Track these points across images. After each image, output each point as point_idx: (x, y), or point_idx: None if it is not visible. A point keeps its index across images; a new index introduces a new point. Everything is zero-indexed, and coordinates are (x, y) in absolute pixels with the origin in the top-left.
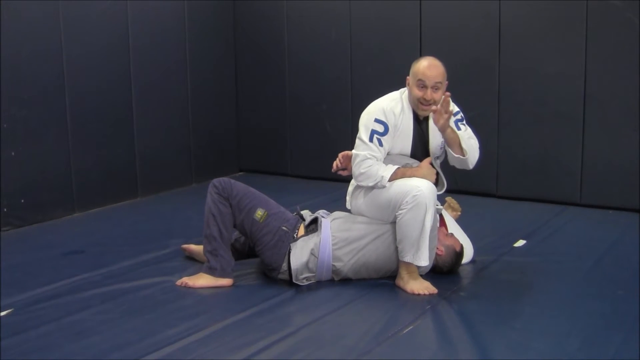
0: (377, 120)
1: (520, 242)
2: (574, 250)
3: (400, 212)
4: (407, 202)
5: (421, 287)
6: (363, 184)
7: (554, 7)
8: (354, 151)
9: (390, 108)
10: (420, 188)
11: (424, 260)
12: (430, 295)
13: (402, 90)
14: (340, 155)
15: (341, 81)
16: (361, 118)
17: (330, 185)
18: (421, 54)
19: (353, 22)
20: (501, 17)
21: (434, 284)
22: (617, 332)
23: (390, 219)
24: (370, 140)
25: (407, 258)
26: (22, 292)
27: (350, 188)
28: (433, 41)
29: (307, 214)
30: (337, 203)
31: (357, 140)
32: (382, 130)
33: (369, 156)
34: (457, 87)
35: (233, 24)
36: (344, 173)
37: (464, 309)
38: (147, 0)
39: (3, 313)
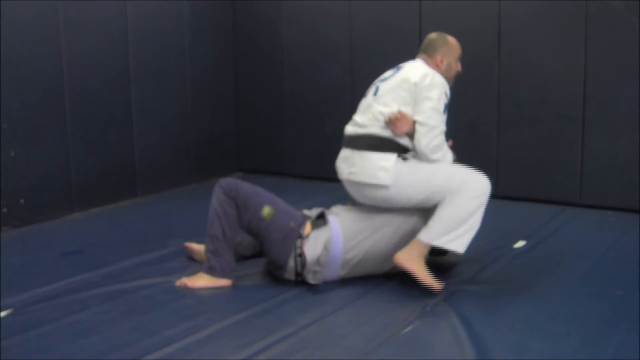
0: (445, 94)
1: (520, 243)
2: (574, 250)
3: (463, 194)
4: (481, 190)
5: (427, 277)
6: (434, 156)
7: (554, 7)
8: (431, 122)
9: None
10: (487, 182)
11: (462, 247)
12: (432, 290)
13: (423, 64)
14: (399, 111)
15: (341, 81)
16: (431, 89)
17: (329, 185)
18: None
19: (353, 22)
20: (501, 17)
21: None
22: (617, 332)
23: (431, 202)
24: (445, 112)
25: (450, 245)
26: (22, 292)
27: (386, 163)
28: None
29: (313, 214)
30: (336, 203)
31: (430, 111)
32: (447, 103)
33: (444, 129)
34: (457, 87)
35: (232, 24)
36: (395, 129)
37: (464, 309)
38: (147, 0)
39: (3, 313)
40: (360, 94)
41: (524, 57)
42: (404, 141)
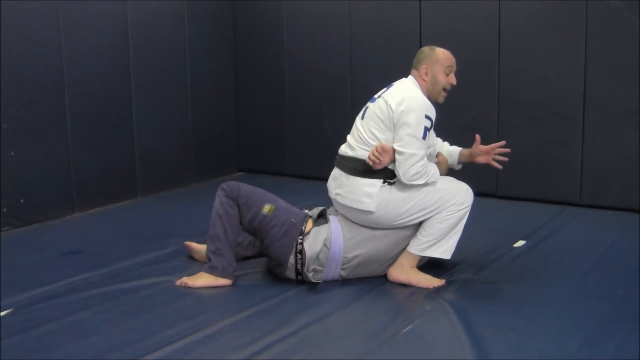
0: (426, 117)
1: (520, 242)
2: (574, 250)
3: (450, 208)
4: (466, 202)
5: (426, 280)
6: (414, 182)
7: (554, 7)
8: (408, 150)
9: (429, 102)
10: (471, 192)
11: (448, 253)
12: (435, 287)
13: (411, 83)
14: (379, 146)
15: (341, 81)
16: (407, 114)
17: None
18: None
19: (353, 22)
20: (501, 17)
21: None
22: (617, 332)
23: (419, 221)
24: (424, 137)
25: (436, 253)
26: (22, 292)
27: (371, 189)
28: (433, 41)
29: (314, 213)
30: None
31: (408, 138)
32: (429, 126)
33: (424, 155)
34: (457, 87)
35: (233, 24)
36: (378, 166)
37: (464, 309)
38: (147, 0)
39: (3, 313)
40: (360, 94)
41: (524, 57)
42: (390, 166)
